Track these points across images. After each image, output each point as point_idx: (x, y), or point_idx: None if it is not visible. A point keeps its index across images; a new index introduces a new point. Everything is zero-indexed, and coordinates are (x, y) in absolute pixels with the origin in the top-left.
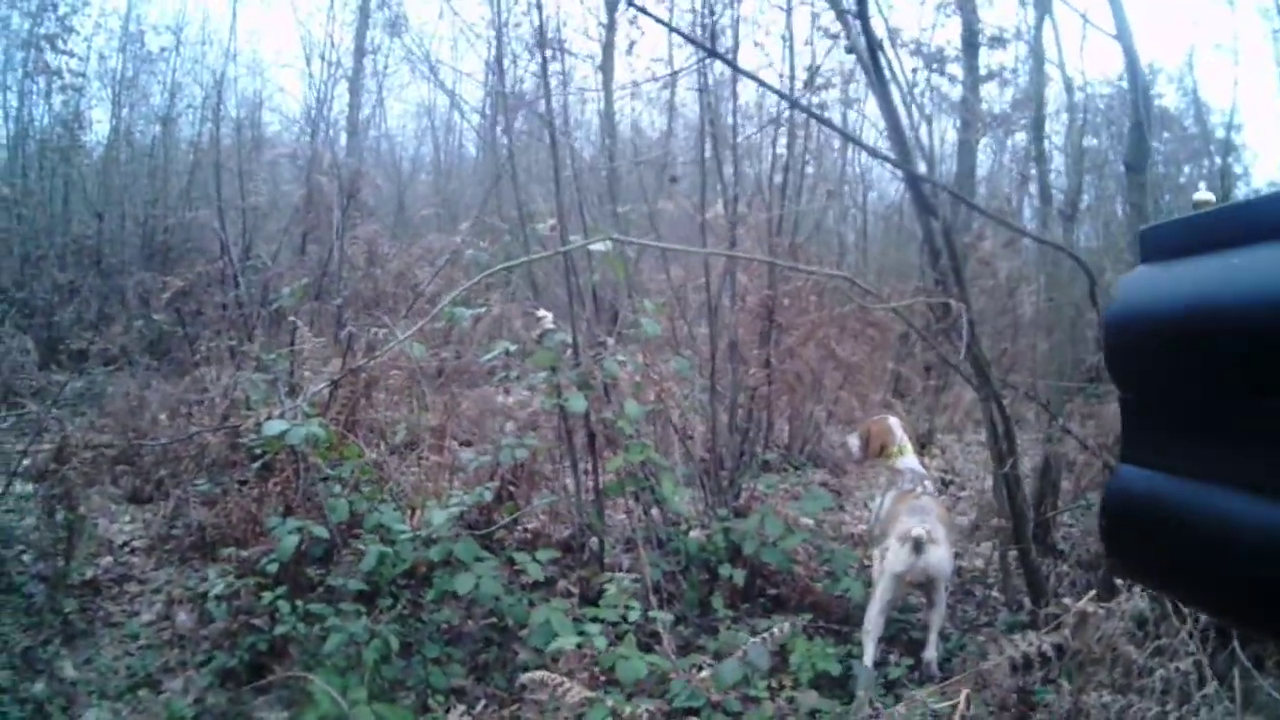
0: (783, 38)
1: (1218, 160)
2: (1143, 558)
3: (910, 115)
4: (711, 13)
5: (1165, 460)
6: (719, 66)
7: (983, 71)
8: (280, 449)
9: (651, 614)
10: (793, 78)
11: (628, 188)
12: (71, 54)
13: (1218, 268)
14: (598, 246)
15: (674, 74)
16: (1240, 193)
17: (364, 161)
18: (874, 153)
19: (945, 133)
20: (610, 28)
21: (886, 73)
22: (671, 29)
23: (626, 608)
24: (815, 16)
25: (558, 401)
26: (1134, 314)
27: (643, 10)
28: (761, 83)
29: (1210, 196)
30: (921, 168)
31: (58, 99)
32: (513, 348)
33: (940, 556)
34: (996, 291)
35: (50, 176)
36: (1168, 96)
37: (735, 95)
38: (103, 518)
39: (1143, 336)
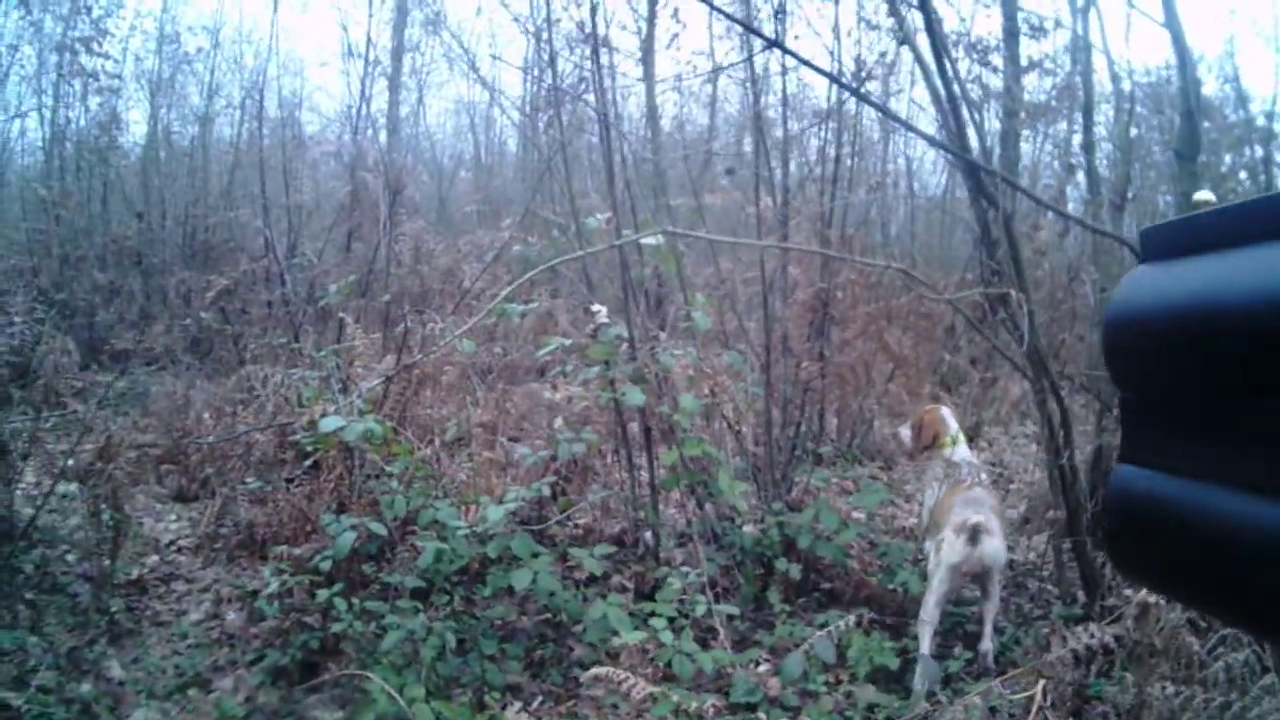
0: (833, 30)
1: (1259, 149)
2: (1143, 558)
3: (970, 108)
4: (778, 9)
5: (1165, 460)
6: (762, 59)
7: (1024, 61)
8: (332, 446)
9: (716, 608)
10: (840, 69)
11: (672, 181)
12: (107, 56)
13: (1218, 268)
14: (651, 240)
15: (717, 69)
16: None
17: (406, 158)
18: (934, 142)
19: (988, 123)
20: (651, 21)
21: (947, 62)
22: (732, 19)
23: (691, 602)
24: (860, 6)
25: (614, 395)
26: (1134, 314)
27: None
28: (823, 72)
29: (1211, 196)
30: (979, 156)
31: (94, 101)
32: (567, 343)
33: (996, 547)
34: (1048, 282)
35: (88, 177)
36: (1208, 85)
37: (785, 87)
38: (148, 517)
39: (1143, 336)
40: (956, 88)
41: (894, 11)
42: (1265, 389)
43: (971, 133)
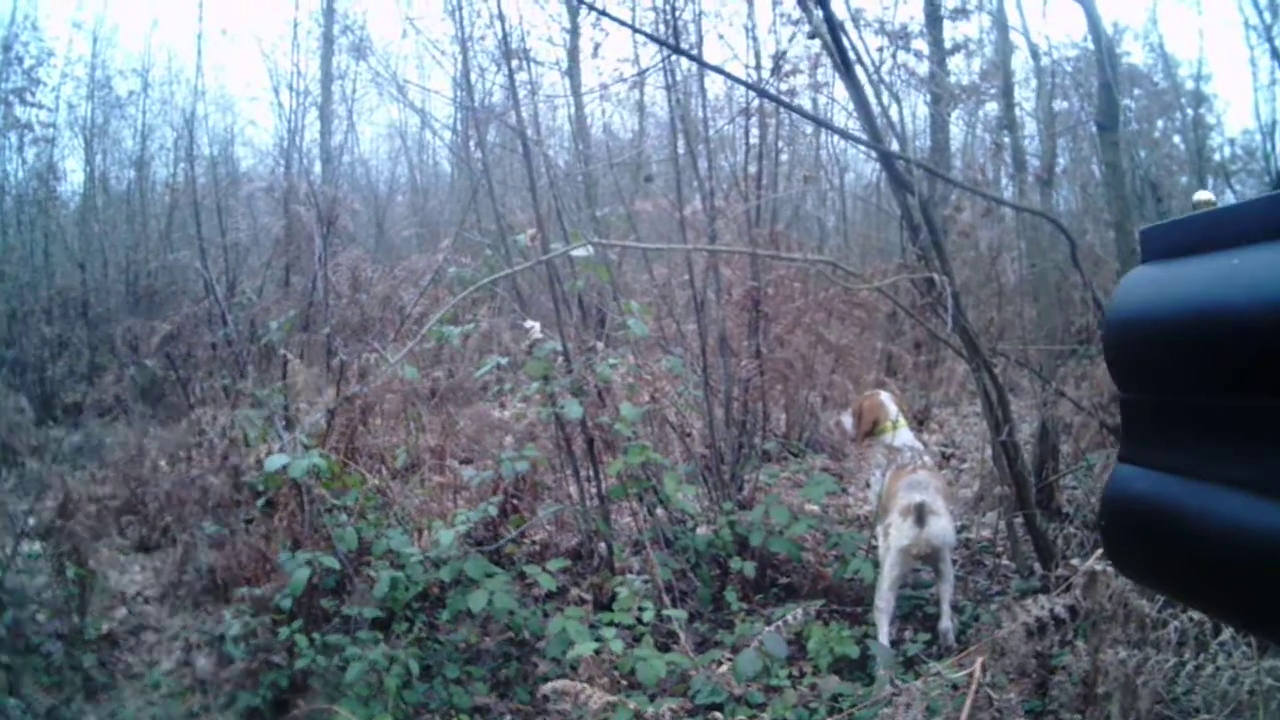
0: (745, 27)
1: (1189, 112)
2: (1142, 558)
3: (879, 95)
4: (673, 9)
5: (1165, 460)
6: (685, 62)
7: (948, 44)
8: (283, 483)
9: (666, 613)
10: (759, 66)
11: (604, 190)
12: (40, 105)
13: (1218, 268)
14: (579, 252)
15: (641, 74)
16: (1215, 141)
17: (340, 187)
18: (845, 134)
19: (916, 108)
20: (574, 33)
21: (852, 55)
22: (635, 30)
23: (640, 609)
24: (777, 3)
25: (554, 410)
26: (1134, 314)
27: (604, 14)
28: (728, 75)
29: (1210, 196)
30: (894, 146)
31: (30, 152)
32: (504, 361)
33: (942, 526)
34: (979, 262)
35: (29, 230)
36: (1135, 53)
37: (704, 89)
38: (113, 569)
39: (1143, 337)
40: (865, 78)
41: (802, 7)
42: (1265, 389)
43: (892, 115)
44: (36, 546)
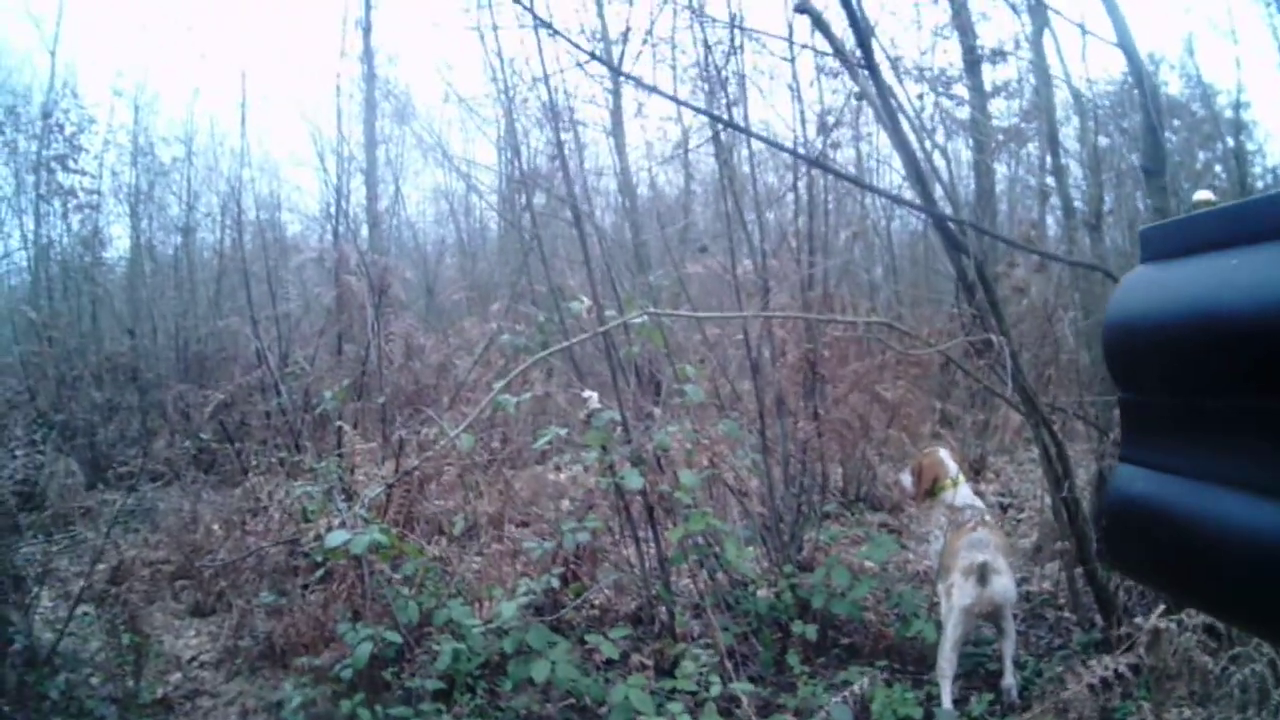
0: (790, 87)
1: (1230, 141)
2: (1143, 557)
3: (923, 144)
4: (716, 69)
5: (1165, 460)
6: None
7: (988, 88)
8: (342, 556)
9: (732, 686)
10: (803, 122)
11: (653, 250)
12: (83, 172)
13: (1218, 268)
14: (635, 321)
15: (686, 139)
16: (1257, 170)
17: (388, 252)
18: (896, 199)
19: (959, 152)
20: (616, 93)
21: (894, 105)
22: (680, 103)
23: (706, 682)
24: (818, 55)
25: (614, 480)
26: (1134, 314)
27: (653, 89)
28: (776, 145)
29: (1210, 196)
30: (944, 203)
31: (75, 218)
32: (562, 432)
33: (1004, 585)
34: (1033, 315)
35: (76, 296)
36: (1172, 85)
37: (750, 146)
38: (167, 634)
39: (1143, 336)
40: (907, 126)
41: (850, 72)
42: (1265, 389)
43: (939, 168)
44: (90, 609)
